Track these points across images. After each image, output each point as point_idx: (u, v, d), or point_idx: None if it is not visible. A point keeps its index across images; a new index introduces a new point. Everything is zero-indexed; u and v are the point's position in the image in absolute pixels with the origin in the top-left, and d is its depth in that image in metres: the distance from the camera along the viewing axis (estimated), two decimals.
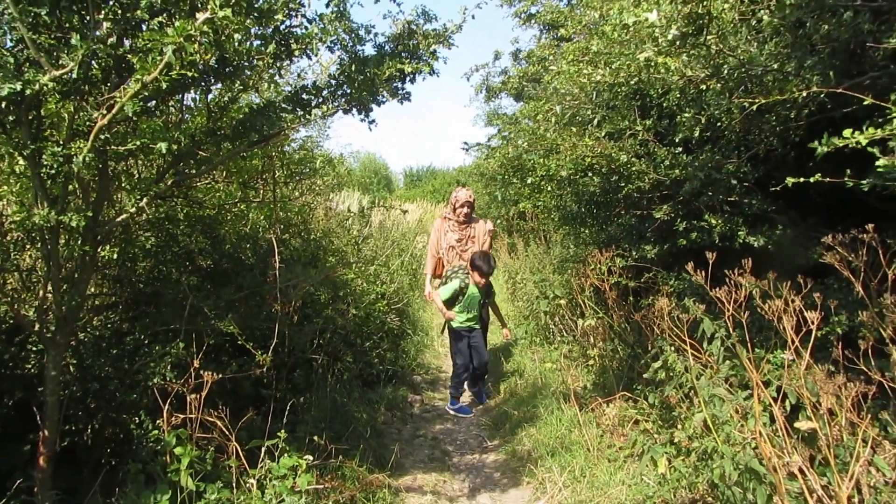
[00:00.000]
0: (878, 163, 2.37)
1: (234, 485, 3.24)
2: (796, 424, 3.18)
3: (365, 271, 6.55)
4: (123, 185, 3.28)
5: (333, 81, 3.52)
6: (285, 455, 3.44)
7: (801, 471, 2.85)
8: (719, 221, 3.94)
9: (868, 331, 2.84)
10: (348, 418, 5.49)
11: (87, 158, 2.66)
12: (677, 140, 4.45)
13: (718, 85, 3.29)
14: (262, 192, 4.52)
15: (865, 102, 2.55)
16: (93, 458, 3.48)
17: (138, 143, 2.66)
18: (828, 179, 2.74)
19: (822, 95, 2.90)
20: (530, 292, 8.20)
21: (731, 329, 3.58)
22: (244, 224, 4.42)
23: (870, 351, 2.91)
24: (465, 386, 6.95)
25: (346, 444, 4.83)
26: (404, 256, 10.84)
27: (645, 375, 4.42)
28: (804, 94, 2.70)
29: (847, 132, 2.43)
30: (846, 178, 2.68)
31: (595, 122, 5.66)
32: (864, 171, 3.08)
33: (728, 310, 2.78)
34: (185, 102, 3.64)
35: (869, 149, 2.35)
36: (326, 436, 4.43)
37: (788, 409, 3.21)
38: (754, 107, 2.91)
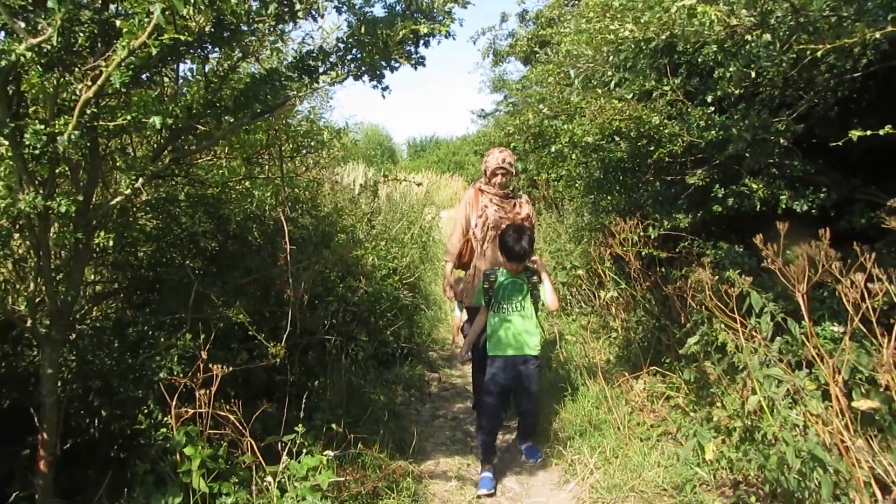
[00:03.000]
0: None
1: (252, 485, 3.02)
2: (854, 404, 2.94)
3: (377, 247, 6.22)
4: (118, 164, 3.00)
5: (342, 45, 3.22)
6: (304, 452, 3.21)
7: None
8: (761, 186, 3.66)
9: None
10: (365, 401, 5.27)
11: (73, 136, 2.39)
12: (709, 99, 4.14)
13: (767, 35, 2.99)
14: (267, 167, 4.24)
15: None
16: (98, 459, 3.26)
17: (129, 117, 2.39)
18: None
19: (882, 43, 2.60)
20: (547, 263, 7.92)
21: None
22: (249, 203, 4.15)
23: None
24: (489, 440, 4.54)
25: (364, 428, 4.62)
26: (414, 229, 10.58)
27: (682, 351, 4.18)
28: (877, 35, 2.40)
29: None
30: None
31: (612, 84, 5.34)
32: None
33: (795, 286, 2.49)
34: (180, 73, 3.36)
35: None
36: (344, 422, 4.22)
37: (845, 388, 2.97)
38: (819, 52, 2.61)
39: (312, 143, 4.26)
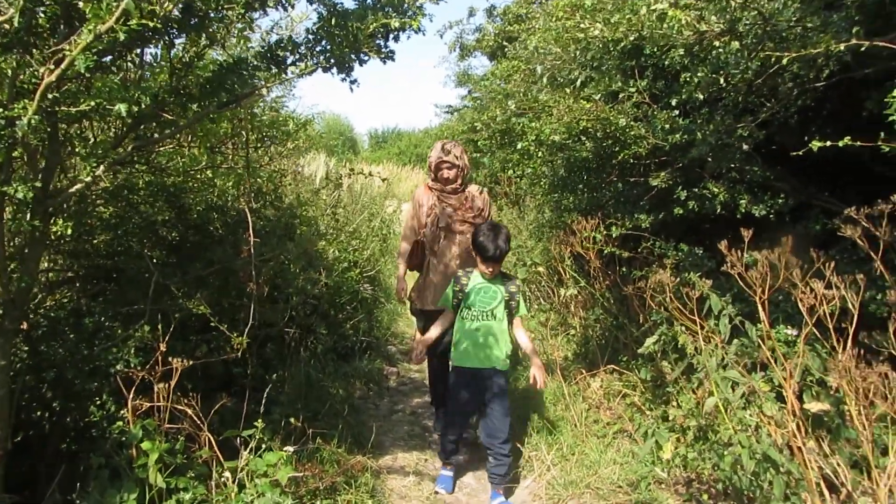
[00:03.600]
0: None
1: (210, 480, 2.97)
2: (805, 406, 3.02)
3: (339, 240, 6.15)
4: (77, 150, 2.92)
5: (311, 37, 3.17)
6: (263, 447, 3.17)
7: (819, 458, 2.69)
8: (722, 189, 3.73)
9: (893, 309, 2.67)
10: (324, 395, 5.23)
11: (33, 121, 2.31)
12: (674, 103, 4.20)
13: (735, 42, 3.04)
14: (230, 157, 4.16)
15: None
16: (49, 452, 3.17)
17: (93, 103, 2.32)
18: (859, 143, 2.52)
19: (845, 55, 2.66)
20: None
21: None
22: (212, 193, 4.07)
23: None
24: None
25: (322, 423, 4.58)
26: (374, 221, 10.52)
27: (640, 350, 4.24)
28: (841, 47, 2.46)
29: None
30: (880, 142, 2.46)
31: (578, 82, 5.38)
32: (869, 136, 2.88)
33: (756, 291, 2.55)
34: (144, 59, 3.27)
35: None
36: (303, 416, 4.18)
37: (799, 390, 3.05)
38: (784, 60, 2.66)
39: (277, 134, 4.20)
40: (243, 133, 4.02)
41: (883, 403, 2.19)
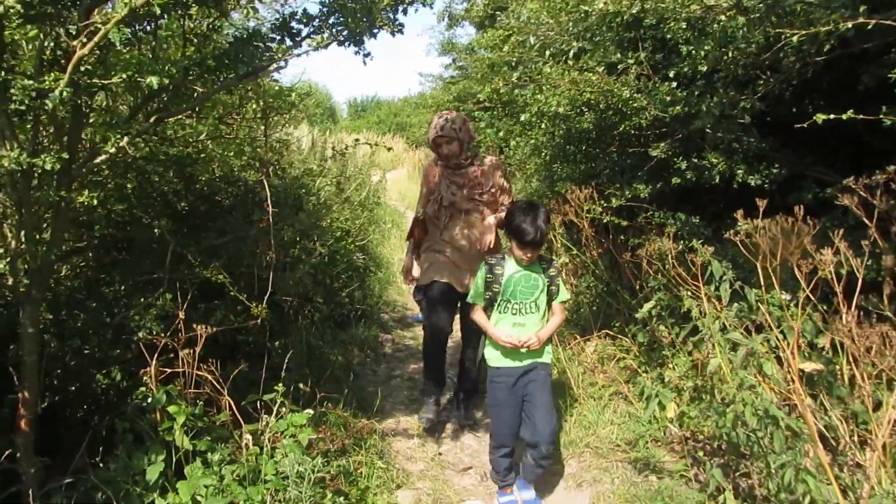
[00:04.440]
0: None
1: (240, 443, 3.08)
2: (800, 366, 3.18)
3: (342, 209, 6.19)
4: (98, 122, 2.95)
5: (325, 9, 3.21)
6: (283, 410, 3.28)
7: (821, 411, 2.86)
8: (720, 160, 3.86)
9: (888, 274, 2.83)
10: (324, 362, 5.36)
11: (65, 93, 2.35)
12: (672, 75, 4.30)
13: (741, 17, 3.14)
14: (236, 128, 4.20)
15: None
16: (72, 419, 3.25)
17: (125, 75, 2.36)
18: (861, 116, 2.65)
19: (849, 31, 2.78)
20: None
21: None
22: (222, 163, 4.11)
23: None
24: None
25: (325, 388, 4.70)
26: (362, 191, 10.59)
27: (638, 315, 4.39)
28: (849, 24, 2.57)
29: None
30: (882, 115, 2.59)
31: (571, 53, 5.45)
32: (865, 109, 3.02)
33: (767, 259, 2.68)
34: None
35: None
36: (311, 381, 4.29)
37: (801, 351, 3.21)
38: (794, 38, 2.77)
39: (281, 105, 4.23)
40: (249, 104, 4.06)
41: (882, 361, 2.34)
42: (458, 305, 4.54)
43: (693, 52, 3.72)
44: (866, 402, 2.45)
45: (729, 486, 3.25)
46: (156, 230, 3.45)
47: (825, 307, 3.07)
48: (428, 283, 4.41)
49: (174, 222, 3.75)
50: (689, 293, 3.43)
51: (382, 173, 14.63)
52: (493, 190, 4.37)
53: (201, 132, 3.97)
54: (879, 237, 3.02)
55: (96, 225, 3.57)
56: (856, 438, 2.87)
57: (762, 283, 3.15)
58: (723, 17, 3.30)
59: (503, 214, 4.23)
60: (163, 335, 3.08)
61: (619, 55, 4.52)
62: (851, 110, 2.70)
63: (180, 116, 3.37)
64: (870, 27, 2.57)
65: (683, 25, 3.74)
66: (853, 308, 2.51)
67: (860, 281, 2.53)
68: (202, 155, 3.87)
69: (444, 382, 4.80)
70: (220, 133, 4.04)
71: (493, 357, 3.61)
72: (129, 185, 3.53)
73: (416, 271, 4.69)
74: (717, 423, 3.30)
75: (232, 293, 3.29)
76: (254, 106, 4.12)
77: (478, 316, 3.64)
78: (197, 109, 3.92)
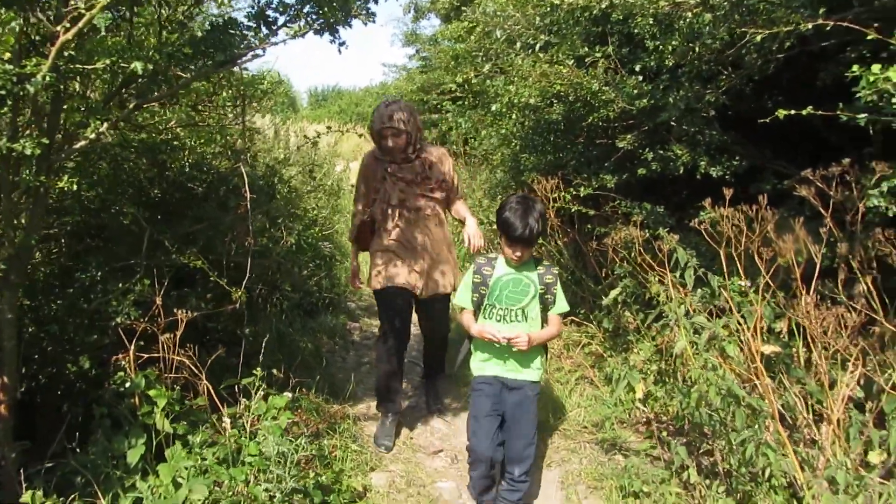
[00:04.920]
0: (894, 99, 2.43)
1: (218, 426, 3.12)
2: (760, 348, 3.34)
3: (316, 197, 6.19)
4: (73, 107, 2.95)
5: None
6: (260, 395, 3.33)
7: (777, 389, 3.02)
8: (684, 151, 4.01)
9: (842, 261, 3.00)
10: (294, 349, 5.40)
11: (48, 78, 2.36)
12: (637, 69, 4.44)
13: (708, 14, 3.28)
14: (207, 116, 4.21)
15: (869, 37, 2.59)
16: (48, 405, 3.25)
17: (108, 61, 2.38)
18: (820, 112, 2.80)
19: (809, 31, 2.93)
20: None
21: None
22: (192, 151, 4.12)
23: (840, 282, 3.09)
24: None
25: (297, 374, 4.75)
26: (326, 181, 10.58)
27: (604, 302, 4.53)
28: (809, 26, 2.72)
29: (876, 68, 2.48)
30: (839, 112, 2.75)
31: (538, 46, 5.56)
32: (822, 105, 3.18)
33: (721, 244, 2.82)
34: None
35: (886, 82, 2.40)
36: (284, 367, 4.34)
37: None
38: (758, 38, 2.91)
39: (254, 93, 4.26)
40: (222, 92, 4.07)
41: (838, 342, 2.50)
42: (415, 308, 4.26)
43: (660, 46, 3.85)
44: (823, 381, 2.60)
45: (692, 463, 3.40)
46: (130, 217, 3.46)
47: (784, 293, 3.23)
48: (381, 287, 4.06)
49: (148, 209, 3.76)
50: (656, 279, 3.57)
51: (346, 163, 14.60)
52: (443, 182, 4.05)
53: (170, 119, 3.98)
54: (835, 226, 3.19)
55: (69, 212, 3.56)
56: (811, 416, 3.04)
57: (724, 270, 3.30)
58: (689, 14, 3.44)
59: (465, 211, 4.23)
60: (142, 320, 3.10)
61: (586, 49, 4.64)
62: (811, 106, 2.85)
63: (155, 104, 3.37)
64: (828, 28, 2.71)
65: (651, 21, 3.87)
66: (812, 292, 2.66)
67: (818, 267, 2.68)
68: (174, 142, 3.87)
69: (400, 399, 4.53)
70: (192, 121, 4.05)
71: (476, 366, 3.31)
72: (100, 172, 3.53)
73: (367, 281, 4.30)
74: (681, 404, 3.46)
75: (212, 279, 3.32)
76: (226, 94, 4.14)
77: (464, 316, 3.31)
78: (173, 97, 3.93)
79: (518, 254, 3.01)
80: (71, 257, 3.58)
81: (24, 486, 2.51)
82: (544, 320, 3.24)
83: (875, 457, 2.56)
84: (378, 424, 4.42)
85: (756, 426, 2.95)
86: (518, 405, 3.25)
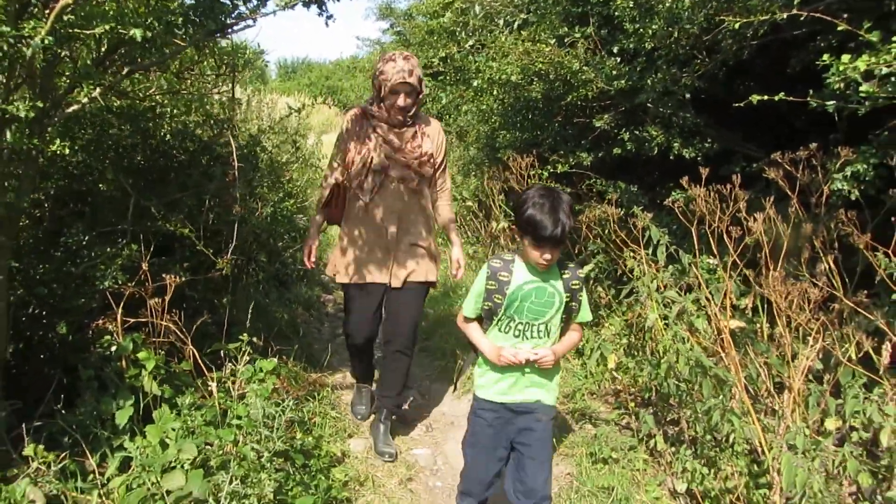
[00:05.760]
0: (861, 88, 2.58)
1: (204, 390, 3.19)
2: (727, 323, 3.51)
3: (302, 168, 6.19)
4: (66, 72, 2.96)
5: None
6: (246, 360, 3.40)
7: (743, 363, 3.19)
8: (659, 133, 4.14)
9: (807, 240, 3.17)
10: (271, 319, 5.46)
11: (47, 41, 2.39)
12: (616, 50, 4.55)
13: (687, 0, 3.40)
14: (190, 84, 4.23)
15: (839, 28, 2.73)
16: (36, 367, 3.29)
17: (107, 27, 2.41)
18: (791, 98, 2.94)
19: (783, 20, 3.07)
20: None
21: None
22: (175, 118, 4.14)
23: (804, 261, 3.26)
24: None
25: (275, 344, 4.83)
26: (299, 153, 10.57)
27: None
28: (784, 15, 2.85)
29: (846, 58, 2.62)
30: (809, 98, 2.89)
31: (515, 25, 5.65)
32: (792, 91, 3.34)
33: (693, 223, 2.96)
34: None
35: (854, 71, 2.55)
36: (264, 336, 4.41)
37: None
38: (736, 25, 3.04)
39: (237, 62, 4.27)
40: (206, 60, 4.09)
41: (800, 316, 2.66)
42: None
43: (640, 29, 3.97)
44: (785, 352, 2.76)
45: (659, 431, 3.58)
46: (113, 183, 3.49)
47: (751, 270, 3.40)
48: (350, 282, 3.73)
49: (131, 176, 3.78)
50: (630, 255, 3.71)
51: (317, 136, 14.54)
52: (431, 157, 3.66)
53: (150, 87, 3.98)
54: (800, 208, 3.36)
55: (52, 176, 3.57)
56: (773, 387, 3.22)
57: (695, 248, 3.45)
58: (668, 0, 3.56)
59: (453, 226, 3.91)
60: (129, 285, 3.14)
61: (565, 28, 4.74)
62: (783, 92, 2.99)
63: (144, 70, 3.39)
64: (801, 17, 2.85)
65: (630, 4, 3.98)
66: (778, 269, 2.82)
67: (784, 245, 2.83)
68: (158, 110, 3.89)
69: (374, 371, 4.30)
70: (175, 88, 4.06)
71: (481, 384, 2.76)
72: (84, 137, 3.54)
73: (330, 266, 3.87)
74: (650, 375, 3.63)
75: (198, 247, 3.37)
76: (211, 62, 4.16)
77: (470, 328, 2.78)
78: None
79: (548, 256, 2.49)
80: (54, 221, 3.59)
81: (25, 440, 2.56)
82: (566, 328, 2.75)
83: (831, 423, 2.74)
84: (354, 392, 4.44)
85: (721, 395, 3.12)
86: (531, 432, 2.71)
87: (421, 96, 3.58)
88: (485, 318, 2.73)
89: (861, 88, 2.58)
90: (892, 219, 2.71)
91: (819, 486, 2.46)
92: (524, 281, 2.60)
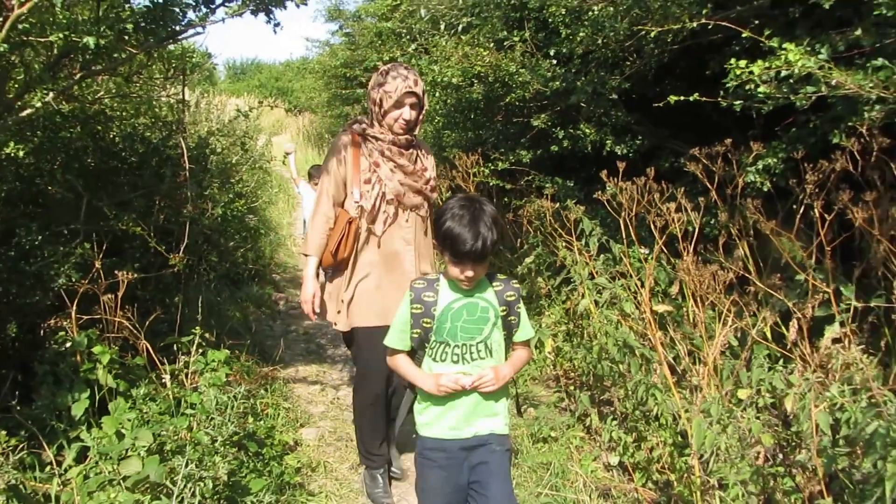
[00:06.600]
0: (759, 89, 2.84)
1: (157, 383, 3.31)
2: (655, 307, 3.77)
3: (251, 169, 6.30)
4: (19, 77, 3.06)
5: None
6: (199, 353, 3.52)
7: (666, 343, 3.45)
8: (592, 131, 4.40)
9: (723, 229, 3.44)
10: (223, 317, 5.57)
11: (1, 48, 2.50)
12: (552, 53, 4.80)
13: (611, 8, 3.65)
14: (139, 87, 4.33)
15: (743, 35, 3.00)
16: None
17: (61, 35, 2.52)
18: (704, 99, 3.20)
19: (697, 28, 3.33)
20: None
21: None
22: (124, 121, 4.23)
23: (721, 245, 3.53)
24: None
25: (226, 339, 4.94)
26: (249, 155, 10.63)
27: (518, 269, 4.91)
28: (694, 24, 3.11)
29: (742, 63, 2.88)
30: (720, 99, 3.15)
31: (460, 27, 5.86)
32: (713, 91, 3.62)
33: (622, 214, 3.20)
34: None
35: (750, 75, 2.81)
36: (216, 332, 4.52)
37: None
38: (653, 33, 3.29)
39: (186, 66, 4.38)
40: (154, 65, 4.20)
41: (713, 295, 2.92)
42: None
43: (571, 35, 4.21)
44: (700, 330, 3.02)
45: (594, 409, 3.82)
46: (66, 185, 3.58)
47: (676, 259, 3.65)
48: (360, 327, 3.22)
49: (83, 177, 3.87)
50: (564, 246, 3.94)
51: (268, 137, 14.57)
52: (433, 182, 3.30)
53: (100, 90, 4.08)
54: (719, 198, 3.63)
55: (3, 179, 3.64)
56: (692, 363, 3.48)
57: (625, 239, 3.70)
58: (595, 8, 3.81)
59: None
60: (83, 282, 3.25)
61: (505, 32, 4.97)
62: (697, 93, 3.26)
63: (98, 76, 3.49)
64: (710, 27, 3.12)
65: (563, 11, 4.23)
66: (695, 254, 3.07)
67: (696, 232, 3.09)
68: (108, 113, 3.98)
69: (387, 448, 3.51)
70: (124, 91, 4.16)
71: (424, 422, 2.40)
72: (35, 141, 3.62)
73: (331, 313, 3.31)
74: (585, 357, 3.87)
75: (151, 245, 3.49)
76: (160, 66, 4.27)
77: (400, 362, 2.41)
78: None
79: (469, 273, 2.17)
80: (6, 223, 3.66)
81: None
82: (508, 348, 2.44)
83: (743, 393, 3.00)
84: (368, 480, 3.46)
85: (647, 373, 3.37)
86: (486, 466, 2.37)
87: (424, 111, 3.20)
88: (416, 349, 2.38)
89: (759, 90, 2.85)
90: (793, 206, 2.98)
91: (726, 445, 2.71)
92: (451, 299, 2.28)
